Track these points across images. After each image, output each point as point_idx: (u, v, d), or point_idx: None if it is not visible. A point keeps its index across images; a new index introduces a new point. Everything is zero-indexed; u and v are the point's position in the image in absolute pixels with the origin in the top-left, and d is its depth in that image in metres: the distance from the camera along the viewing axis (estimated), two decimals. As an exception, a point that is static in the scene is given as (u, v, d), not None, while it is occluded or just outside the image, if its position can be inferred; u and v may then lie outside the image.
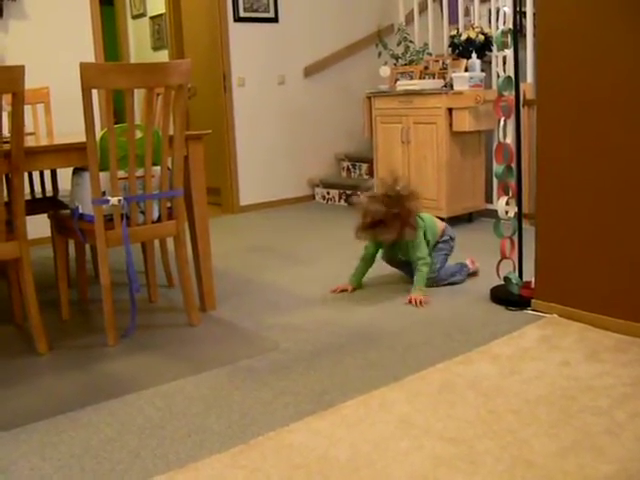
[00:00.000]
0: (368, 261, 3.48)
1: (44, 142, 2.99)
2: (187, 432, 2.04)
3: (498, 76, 3.22)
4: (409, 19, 5.83)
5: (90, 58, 4.90)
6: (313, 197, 6.42)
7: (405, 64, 5.50)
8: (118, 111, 2.95)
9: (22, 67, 2.41)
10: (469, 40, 4.98)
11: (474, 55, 4.90)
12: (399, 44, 5.59)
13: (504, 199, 3.18)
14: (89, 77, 2.54)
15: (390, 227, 3.19)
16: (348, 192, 6.04)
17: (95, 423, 2.12)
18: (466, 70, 4.94)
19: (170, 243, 3.18)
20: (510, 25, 3.09)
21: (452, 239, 3.56)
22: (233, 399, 2.25)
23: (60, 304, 3.12)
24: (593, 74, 2.63)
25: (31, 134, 3.80)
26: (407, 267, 3.49)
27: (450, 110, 4.79)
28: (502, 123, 3.14)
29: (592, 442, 1.84)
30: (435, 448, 1.85)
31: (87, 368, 2.56)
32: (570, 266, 2.83)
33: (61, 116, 4.13)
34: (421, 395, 2.20)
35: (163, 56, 6.86)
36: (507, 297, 3.11)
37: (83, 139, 2.61)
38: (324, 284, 3.54)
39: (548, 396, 2.15)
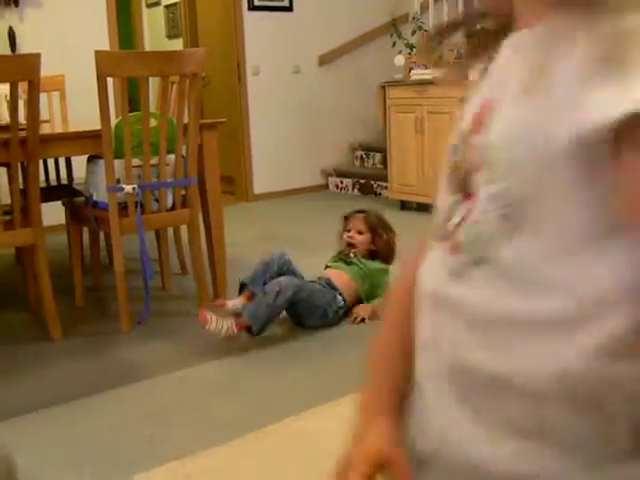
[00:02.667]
0: None
1: (59, 130, 3.01)
2: (199, 419, 2.05)
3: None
4: (424, 8, 5.78)
5: (105, 46, 4.89)
6: (327, 186, 6.41)
7: (420, 53, 5.47)
8: (133, 99, 2.95)
9: (38, 55, 2.42)
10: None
11: (490, 44, 4.86)
12: (414, 33, 5.55)
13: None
14: (104, 65, 2.55)
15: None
16: (362, 181, 6.03)
17: (108, 409, 2.14)
18: (481, 59, 4.89)
19: (184, 231, 3.19)
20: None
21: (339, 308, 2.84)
22: (246, 387, 2.26)
23: (74, 291, 3.14)
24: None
25: (46, 122, 3.82)
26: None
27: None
28: (517, 113, 3.11)
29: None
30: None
31: (101, 354, 2.58)
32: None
33: (76, 104, 4.14)
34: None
35: (177, 45, 6.85)
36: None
37: (98, 127, 2.62)
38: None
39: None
